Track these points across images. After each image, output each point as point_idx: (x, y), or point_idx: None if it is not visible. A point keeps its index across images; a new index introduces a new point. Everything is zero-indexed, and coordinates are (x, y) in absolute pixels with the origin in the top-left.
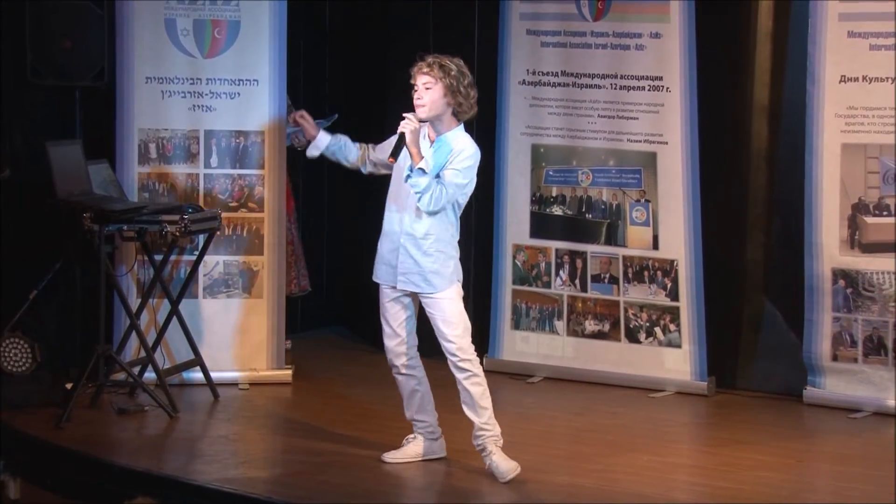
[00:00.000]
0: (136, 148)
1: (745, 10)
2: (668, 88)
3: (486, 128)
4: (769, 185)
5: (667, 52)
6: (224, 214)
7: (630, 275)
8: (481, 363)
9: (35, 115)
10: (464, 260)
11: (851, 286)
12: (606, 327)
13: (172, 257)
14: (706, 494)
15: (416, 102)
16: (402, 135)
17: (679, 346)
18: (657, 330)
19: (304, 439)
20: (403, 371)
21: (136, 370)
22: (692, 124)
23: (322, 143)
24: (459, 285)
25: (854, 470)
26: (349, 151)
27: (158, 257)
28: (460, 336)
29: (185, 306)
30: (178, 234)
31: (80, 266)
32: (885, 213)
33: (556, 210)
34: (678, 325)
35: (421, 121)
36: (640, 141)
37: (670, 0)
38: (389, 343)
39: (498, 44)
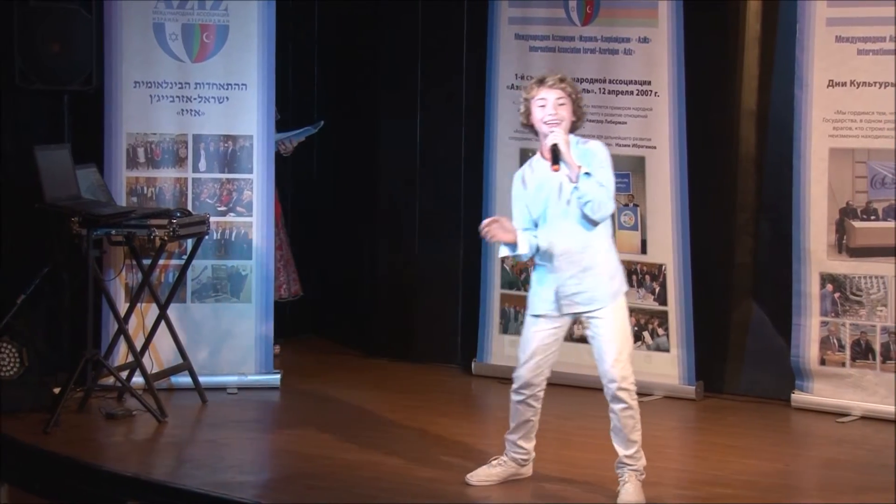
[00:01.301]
0: (125, 152)
1: (733, 14)
2: (656, 93)
3: (474, 131)
4: (757, 189)
5: (655, 56)
6: (212, 219)
7: None
8: (469, 367)
9: (23, 120)
10: (452, 264)
11: (839, 290)
12: None
13: (161, 262)
14: (695, 498)
15: (548, 119)
16: (556, 146)
17: (667, 351)
18: (645, 334)
19: (292, 444)
20: (530, 402)
21: (124, 375)
22: (680, 129)
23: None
24: (625, 299)
25: (842, 474)
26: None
27: (147, 262)
28: (623, 361)
29: (173, 311)
30: (166, 238)
31: (68, 270)
32: (872, 217)
33: None
34: (666, 330)
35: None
36: (629, 145)
37: (658, 3)
38: (528, 375)
39: (486, 48)
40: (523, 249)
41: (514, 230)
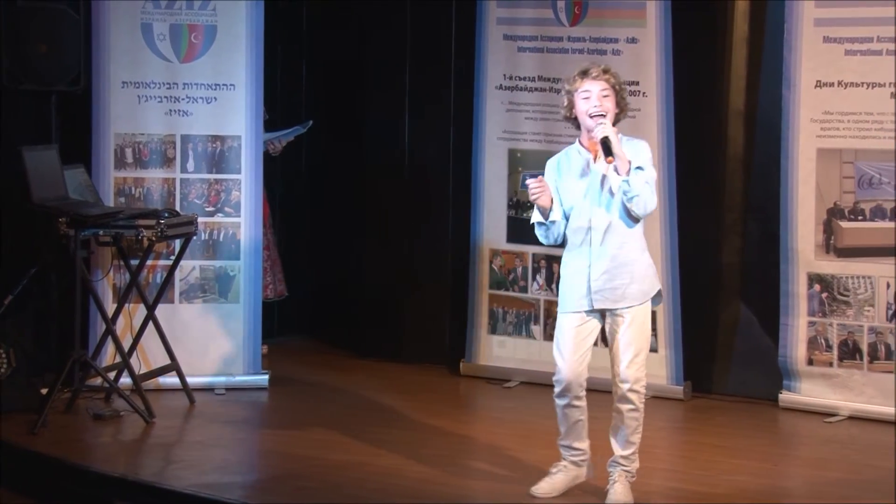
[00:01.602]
0: (113, 153)
1: (720, 14)
2: (644, 93)
3: (462, 132)
4: (745, 189)
5: (643, 57)
6: (200, 219)
7: None
8: (457, 368)
9: (11, 120)
10: (440, 265)
11: (827, 290)
12: None
13: (149, 262)
14: (683, 499)
15: (593, 111)
16: (607, 138)
17: (655, 351)
18: None
19: (280, 444)
20: (575, 403)
21: (111, 375)
22: (669, 129)
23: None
24: (650, 302)
25: (830, 474)
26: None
27: (135, 262)
28: (638, 364)
29: (161, 311)
30: (154, 238)
31: (55, 271)
32: (860, 217)
33: None
34: (654, 330)
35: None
36: None
37: (646, 3)
38: (569, 375)
39: (475, 48)
40: (556, 216)
41: (551, 195)
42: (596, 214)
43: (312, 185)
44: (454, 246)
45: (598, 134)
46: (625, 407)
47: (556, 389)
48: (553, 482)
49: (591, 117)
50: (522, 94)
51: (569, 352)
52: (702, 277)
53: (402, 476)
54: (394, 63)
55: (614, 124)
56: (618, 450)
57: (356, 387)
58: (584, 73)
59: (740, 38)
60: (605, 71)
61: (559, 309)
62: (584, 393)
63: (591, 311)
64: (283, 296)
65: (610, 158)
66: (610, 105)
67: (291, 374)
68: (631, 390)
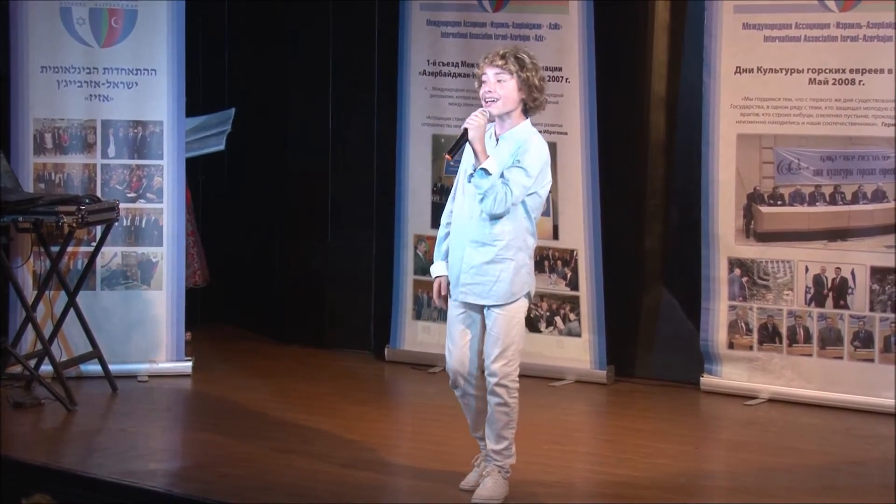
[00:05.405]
0: (32, 138)
1: (642, 2)
2: (567, 79)
3: (386, 118)
4: (667, 175)
5: (566, 43)
6: (122, 205)
7: None
8: (382, 354)
9: None
10: (364, 250)
11: (747, 275)
12: None
13: (69, 249)
14: (605, 482)
15: (486, 96)
16: (466, 131)
17: (579, 336)
18: (557, 319)
19: (203, 432)
20: (471, 391)
21: (32, 363)
22: (591, 115)
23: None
24: (527, 301)
25: (750, 456)
26: None
27: (55, 249)
28: (507, 360)
29: (82, 298)
30: (74, 225)
31: None
32: (779, 202)
33: None
34: (578, 315)
35: (493, 115)
36: (540, 132)
37: None
38: (454, 363)
39: (398, 34)
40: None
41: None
42: (473, 203)
43: (235, 170)
44: (379, 231)
45: (462, 126)
46: (493, 400)
47: (450, 381)
48: (480, 472)
49: (486, 103)
50: (446, 80)
51: (452, 341)
52: (624, 263)
53: (327, 462)
54: (317, 48)
55: (526, 112)
56: (491, 444)
57: (280, 374)
58: (485, 57)
59: (662, 25)
60: (503, 56)
61: None
62: (480, 383)
63: (464, 302)
64: (208, 281)
65: (448, 155)
66: (504, 91)
67: (215, 361)
68: (499, 384)
